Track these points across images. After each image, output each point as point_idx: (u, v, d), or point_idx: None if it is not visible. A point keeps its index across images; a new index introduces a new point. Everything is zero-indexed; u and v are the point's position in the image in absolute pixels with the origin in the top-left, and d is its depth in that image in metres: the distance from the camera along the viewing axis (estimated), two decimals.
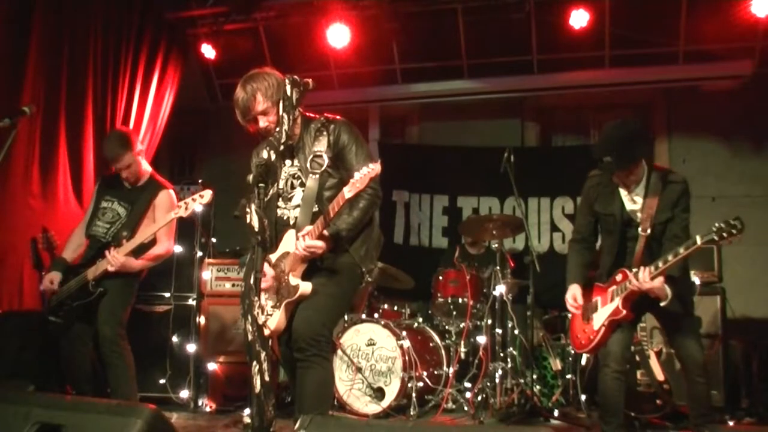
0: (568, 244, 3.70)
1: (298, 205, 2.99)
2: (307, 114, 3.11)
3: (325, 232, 2.86)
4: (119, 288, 3.85)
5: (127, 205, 3.97)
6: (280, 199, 3.05)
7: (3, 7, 4.58)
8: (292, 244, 2.92)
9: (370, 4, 5.97)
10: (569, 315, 4.89)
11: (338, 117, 3.10)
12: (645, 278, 3.06)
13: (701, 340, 3.35)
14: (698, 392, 3.30)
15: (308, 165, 2.97)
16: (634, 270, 3.16)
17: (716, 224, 2.90)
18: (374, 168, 2.73)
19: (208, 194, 3.56)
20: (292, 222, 3.00)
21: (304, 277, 2.95)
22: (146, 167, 4.09)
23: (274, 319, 2.95)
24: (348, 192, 2.74)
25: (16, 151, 4.49)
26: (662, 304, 3.13)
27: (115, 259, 3.71)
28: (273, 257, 3.01)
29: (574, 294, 3.46)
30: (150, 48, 5.92)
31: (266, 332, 2.90)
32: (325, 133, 3.00)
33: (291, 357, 2.95)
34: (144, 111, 5.82)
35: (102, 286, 3.79)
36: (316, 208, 2.94)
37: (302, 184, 3.00)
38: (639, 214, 3.28)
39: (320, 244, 2.85)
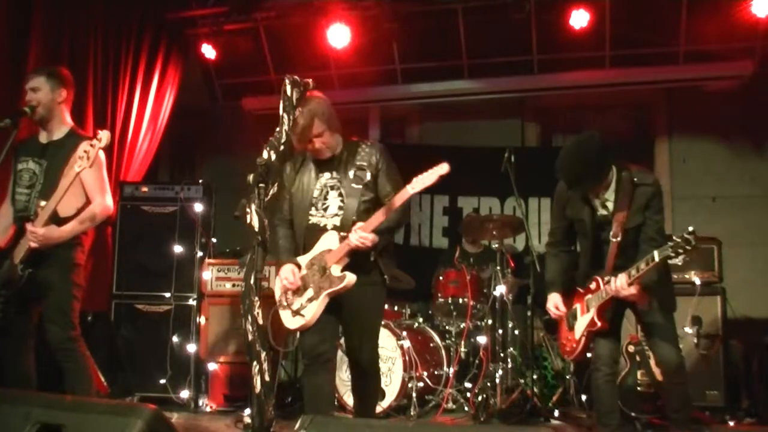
0: (545, 248, 3.68)
1: (335, 214, 3.21)
2: (350, 138, 3.40)
3: (379, 226, 3.08)
4: (58, 277, 3.38)
5: (42, 161, 3.45)
6: (312, 207, 3.25)
7: (3, 7, 4.57)
8: (334, 242, 3.13)
9: (370, 4, 5.97)
10: None
11: (376, 141, 3.42)
12: (623, 284, 3.06)
13: (678, 341, 3.33)
14: (675, 394, 3.33)
15: (352, 178, 3.22)
16: (606, 278, 3.16)
17: (674, 238, 2.87)
18: (443, 166, 2.98)
19: (105, 135, 3.17)
20: (330, 227, 3.19)
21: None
22: (68, 120, 3.63)
23: (310, 309, 3.09)
24: (411, 189, 3.02)
25: None
26: (640, 307, 3.16)
27: (33, 233, 3.22)
28: (304, 259, 3.18)
29: (555, 303, 3.48)
30: (150, 48, 5.93)
31: (299, 323, 3.08)
32: (366, 151, 3.30)
33: (316, 351, 3.12)
34: (144, 111, 5.83)
35: (38, 276, 3.33)
36: (354, 218, 3.15)
37: (340, 195, 3.22)
38: (611, 218, 3.26)
39: (372, 236, 3.06)
